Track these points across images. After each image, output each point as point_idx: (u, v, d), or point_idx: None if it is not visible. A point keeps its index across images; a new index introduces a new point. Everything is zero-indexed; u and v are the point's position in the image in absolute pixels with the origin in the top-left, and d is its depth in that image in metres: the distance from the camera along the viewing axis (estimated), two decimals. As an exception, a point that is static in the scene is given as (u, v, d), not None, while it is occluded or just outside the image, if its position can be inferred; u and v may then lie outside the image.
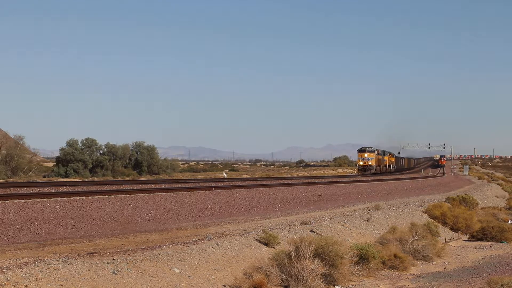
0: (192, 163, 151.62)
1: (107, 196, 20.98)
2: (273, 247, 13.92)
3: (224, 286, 11.27)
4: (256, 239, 14.18)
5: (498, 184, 65.91)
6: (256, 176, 65.75)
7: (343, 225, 18.39)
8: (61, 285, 8.80)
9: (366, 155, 79.28)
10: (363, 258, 13.93)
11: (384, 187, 42.71)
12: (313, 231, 16.28)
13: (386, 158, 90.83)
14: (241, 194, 26.38)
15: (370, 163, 78.86)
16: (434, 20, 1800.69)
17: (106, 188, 27.61)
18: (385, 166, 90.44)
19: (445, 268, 15.69)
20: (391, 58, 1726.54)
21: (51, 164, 70.26)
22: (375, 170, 79.71)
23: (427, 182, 59.22)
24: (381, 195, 36.40)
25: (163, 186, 31.08)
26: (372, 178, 58.83)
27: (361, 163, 79.85)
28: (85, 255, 10.62)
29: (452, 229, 24.01)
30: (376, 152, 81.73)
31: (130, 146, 71.65)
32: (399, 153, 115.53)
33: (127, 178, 54.60)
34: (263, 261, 12.37)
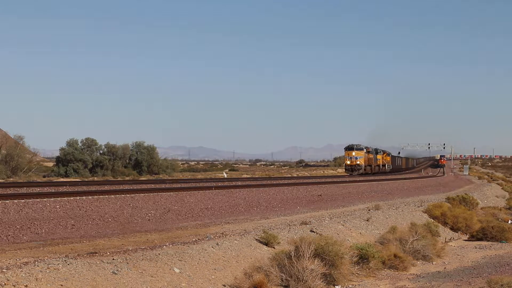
0: (192, 163, 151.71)
1: (107, 196, 20.98)
2: (273, 247, 13.93)
3: (224, 286, 11.27)
4: (256, 239, 14.18)
5: (498, 184, 65.91)
6: (256, 176, 65.73)
7: (343, 225, 18.39)
8: (61, 285, 8.80)
9: (353, 153, 72.71)
10: (363, 258, 13.93)
11: (384, 187, 42.72)
12: (313, 231, 16.28)
13: (379, 157, 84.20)
14: (241, 194, 26.38)
15: (358, 162, 72.19)
16: (434, 19, 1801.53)
17: (106, 188, 27.60)
18: (378, 165, 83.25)
19: (445, 268, 15.69)
20: (391, 58, 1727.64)
21: (51, 164, 70.27)
22: (364, 170, 73.26)
23: (427, 182, 59.22)
24: (381, 195, 36.39)
25: (163, 186, 31.07)
26: (372, 178, 58.75)
27: (348, 162, 73.56)
28: (85, 255, 10.62)
29: (452, 229, 24.00)
30: (365, 150, 74.88)
31: (130, 146, 71.69)
32: (399, 153, 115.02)
33: (127, 178, 54.60)
34: (263, 261, 12.37)
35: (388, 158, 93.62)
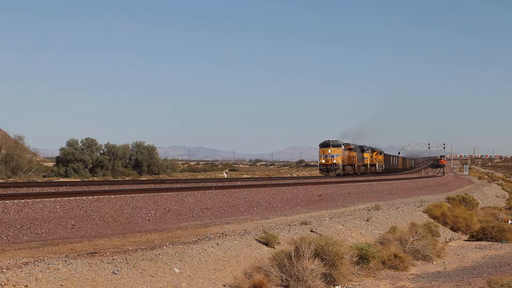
0: (192, 163, 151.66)
1: (107, 196, 20.95)
2: (273, 247, 13.92)
3: (224, 286, 11.27)
4: (256, 239, 14.18)
5: (498, 184, 65.97)
6: (256, 176, 65.68)
7: (343, 225, 18.38)
8: (61, 285, 8.80)
9: (329, 151, 62.42)
10: (363, 258, 13.93)
11: (384, 187, 42.71)
12: (313, 231, 16.28)
13: (366, 155, 73.92)
14: (241, 194, 26.35)
15: (334, 161, 62.13)
16: (434, 19, 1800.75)
17: (106, 188, 27.56)
18: (365, 165, 72.92)
19: (445, 268, 15.69)
20: (391, 57, 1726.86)
21: (51, 164, 70.26)
22: (343, 170, 63.29)
23: (427, 182, 59.22)
24: (381, 195, 36.40)
25: (163, 186, 31.05)
26: (372, 178, 58.65)
27: (323, 161, 63.19)
28: (85, 255, 10.62)
29: (452, 229, 24.02)
30: (344, 147, 64.43)
31: (130, 146, 71.70)
32: (399, 153, 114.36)
33: (127, 178, 54.59)
34: (263, 261, 12.37)
35: (380, 157, 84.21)
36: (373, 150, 79.17)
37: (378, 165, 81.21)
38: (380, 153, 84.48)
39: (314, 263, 11.92)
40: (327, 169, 62.53)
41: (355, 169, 67.80)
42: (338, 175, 60.54)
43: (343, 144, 64.38)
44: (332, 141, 63.52)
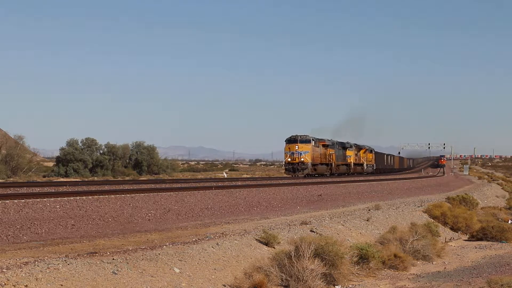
0: (192, 163, 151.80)
1: (107, 196, 20.94)
2: (273, 247, 13.92)
3: (224, 285, 11.27)
4: (256, 239, 14.17)
5: (498, 184, 66.00)
6: (256, 176, 65.67)
7: (343, 225, 18.38)
8: (61, 285, 8.80)
9: (297, 147, 52.51)
10: (363, 258, 13.93)
11: (384, 187, 42.73)
12: (313, 231, 16.28)
13: (350, 153, 65.19)
14: (241, 194, 26.35)
15: (302, 159, 52.26)
16: (435, 19, 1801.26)
17: (106, 188, 27.54)
18: (347, 164, 64.48)
19: (445, 268, 15.69)
20: (390, 57, 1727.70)
21: (51, 164, 70.32)
22: (314, 170, 53.97)
23: (427, 182, 59.25)
24: (381, 195, 36.40)
25: (163, 186, 31.03)
26: (372, 178, 58.59)
27: (289, 159, 53.18)
28: (85, 255, 10.62)
29: (452, 229, 24.01)
30: (314, 143, 54.11)
31: (130, 146, 71.82)
32: (399, 152, 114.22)
33: (127, 178, 54.62)
34: (263, 261, 12.37)
35: (370, 156, 75.10)
36: (359, 148, 70.77)
37: (367, 165, 72.68)
38: (370, 151, 75.74)
39: (314, 263, 11.92)
40: (293, 168, 52.93)
41: (331, 169, 59.22)
42: (308, 176, 51.68)
43: (313, 140, 54.25)
44: (300, 136, 53.51)
